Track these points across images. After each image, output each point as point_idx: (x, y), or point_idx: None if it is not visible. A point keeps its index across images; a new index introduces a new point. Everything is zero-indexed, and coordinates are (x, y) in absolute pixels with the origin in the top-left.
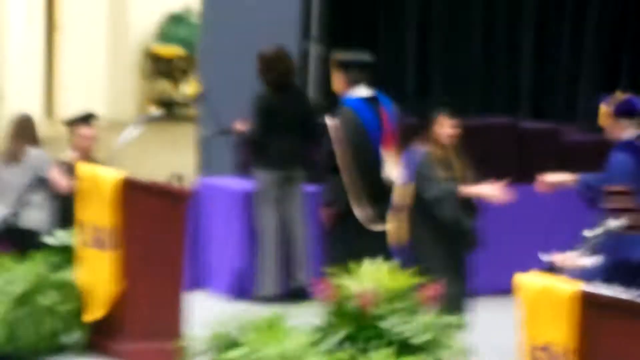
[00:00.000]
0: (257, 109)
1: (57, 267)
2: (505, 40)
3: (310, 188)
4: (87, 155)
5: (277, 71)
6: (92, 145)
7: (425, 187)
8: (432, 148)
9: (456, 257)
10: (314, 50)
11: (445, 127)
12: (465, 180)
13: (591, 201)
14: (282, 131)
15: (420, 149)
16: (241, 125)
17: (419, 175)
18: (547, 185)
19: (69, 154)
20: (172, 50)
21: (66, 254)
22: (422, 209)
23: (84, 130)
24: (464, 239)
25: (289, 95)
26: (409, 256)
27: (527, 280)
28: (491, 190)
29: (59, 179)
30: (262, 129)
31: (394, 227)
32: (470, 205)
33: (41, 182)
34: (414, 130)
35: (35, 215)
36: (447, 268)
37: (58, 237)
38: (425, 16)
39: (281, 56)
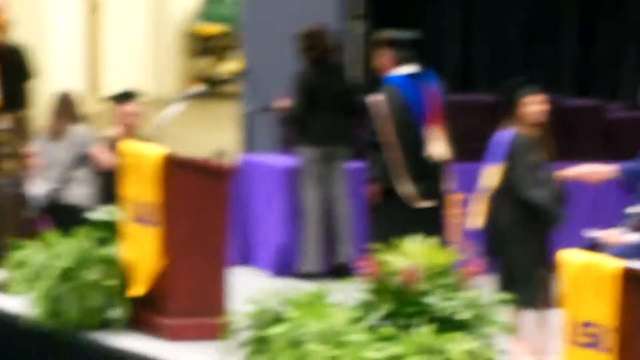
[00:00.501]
0: (298, 87)
1: (101, 243)
2: (549, 16)
3: (354, 165)
4: (130, 132)
5: (317, 49)
6: (136, 122)
7: (520, 171)
8: (527, 129)
9: (540, 241)
10: (356, 28)
11: (535, 105)
12: (552, 160)
13: (634, 188)
14: (323, 108)
15: (510, 130)
16: (283, 103)
17: (519, 159)
18: (592, 178)
19: (112, 131)
20: (214, 28)
21: (110, 230)
22: (509, 192)
23: (128, 107)
24: (550, 224)
25: (330, 73)
26: (482, 239)
27: (570, 257)
28: (590, 170)
29: (102, 156)
30: (303, 106)
31: (476, 209)
32: (560, 189)
33: (84, 159)
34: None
35: (79, 192)
36: (529, 253)
37: (102, 213)
38: None
39: (322, 33)
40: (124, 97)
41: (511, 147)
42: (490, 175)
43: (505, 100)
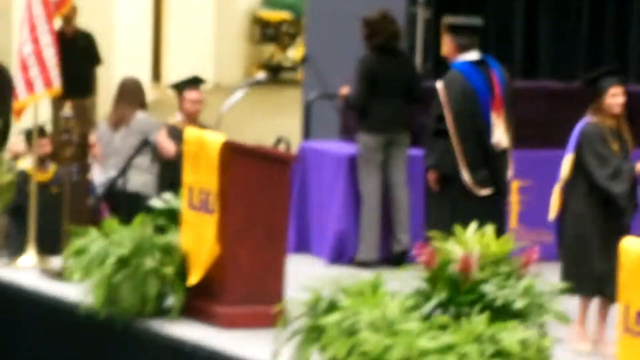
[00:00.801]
0: (360, 73)
1: (160, 231)
2: (615, 4)
3: (415, 152)
4: (194, 119)
5: (382, 35)
6: (199, 109)
7: (591, 160)
8: (601, 119)
9: (614, 232)
10: (422, 14)
11: (617, 97)
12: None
13: None
14: (385, 95)
15: (590, 119)
16: (344, 90)
17: (588, 148)
18: None
19: (176, 118)
20: (279, 14)
21: (169, 218)
22: (580, 182)
23: (191, 94)
24: (624, 215)
25: (394, 59)
26: (558, 229)
27: (629, 245)
28: None
29: (166, 143)
30: (364, 93)
31: (553, 200)
32: (634, 180)
33: (145, 146)
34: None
35: (142, 179)
36: (602, 244)
37: (164, 200)
38: None
39: (386, 20)
40: (187, 84)
41: (581, 136)
42: (565, 165)
43: (588, 88)
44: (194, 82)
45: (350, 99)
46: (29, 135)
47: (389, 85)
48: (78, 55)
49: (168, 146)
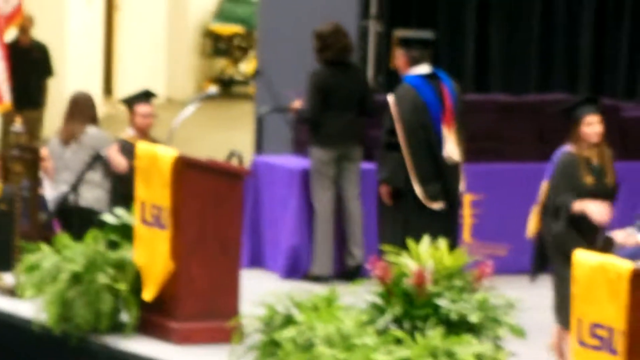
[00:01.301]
0: (312, 87)
1: (116, 246)
2: (565, 16)
3: (367, 165)
4: (145, 134)
5: (333, 48)
6: (151, 123)
7: (553, 190)
8: (578, 149)
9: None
10: (373, 27)
11: (594, 126)
12: (613, 185)
13: None
14: (338, 109)
15: (568, 148)
16: (297, 104)
17: (554, 176)
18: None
19: (128, 133)
20: (231, 28)
21: (122, 233)
22: (549, 210)
23: (142, 108)
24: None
25: (346, 73)
26: (533, 251)
27: (582, 258)
28: (596, 210)
29: (117, 158)
30: (317, 106)
31: (530, 220)
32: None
33: (96, 162)
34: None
35: (94, 194)
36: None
37: (117, 216)
38: None
39: (338, 33)
40: (138, 98)
41: (556, 165)
42: (541, 190)
43: (565, 119)
44: (145, 96)
45: (302, 113)
46: None
47: (341, 98)
48: (31, 66)
49: (119, 161)
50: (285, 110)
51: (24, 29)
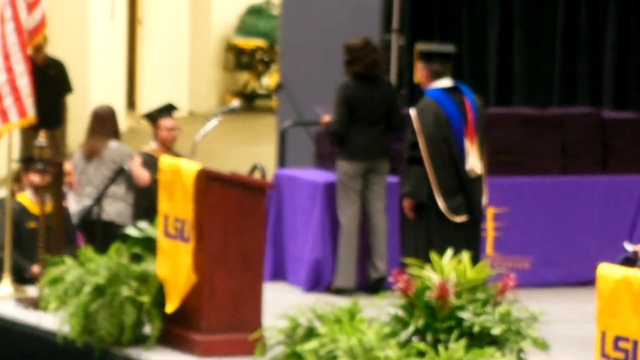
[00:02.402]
0: (340, 99)
1: (139, 259)
2: (588, 29)
3: (391, 179)
4: (169, 147)
5: (362, 62)
6: (174, 136)
7: None
8: None
9: None
10: (396, 41)
11: None
12: None
13: None
14: (365, 122)
15: None
16: (327, 118)
17: None
18: None
19: (151, 146)
20: (253, 42)
21: (145, 246)
22: None
23: (166, 122)
24: None
25: (374, 86)
26: None
27: (606, 271)
28: None
29: (140, 172)
30: (344, 119)
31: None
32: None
33: (122, 175)
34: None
35: (116, 208)
36: None
37: (140, 229)
38: (507, 6)
39: (368, 47)
40: (161, 112)
41: None
42: None
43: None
44: (168, 109)
45: (329, 125)
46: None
47: (369, 112)
48: (48, 84)
49: (142, 174)
50: (307, 123)
51: (38, 47)
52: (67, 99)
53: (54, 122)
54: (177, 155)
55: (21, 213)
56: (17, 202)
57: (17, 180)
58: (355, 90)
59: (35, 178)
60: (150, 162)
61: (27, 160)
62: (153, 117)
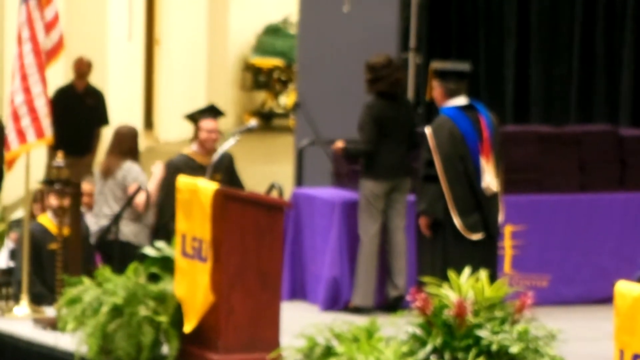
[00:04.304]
0: (369, 118)
1: (157, 278)
2: (604, 47)
3: (410, 197)
4: (208, 149)
5: (385, 81)
6: (215, 138)
7: None
8: None
9: None
10: (413, 59)
11: None
12: None
13: None
14: (392, 141)
15: None
16: (340, 143)
17: None
18: None
19: (191, 148)
20: (270, 61)
21: (165, 265)
22: None
23: (207, 124)
24: None
25: (398, 105)
26: None
27: (624, 289)
28: None
29: (138, 197)
30: (374, 138)
31: None
32: None
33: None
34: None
35: (133, 228)
36: None
37: (158, 248)
38: (524, 25)
39: (391, 66)
40: (204, 113)
41: None
42: None
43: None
44: (210, 111)
45: (358, 145)
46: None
47: (394, 131)
48: (84, 111)
49: (141, 200)
50: (325, 143)
51: (81, 74)
52: (100, 130)
53: (84, 149)
54: (217, 159)
55: (42, 234)
56: (38, 223)
57: (39, 201)
58: (381, 109)
59: (53, 200)
60: (191, 165)
61: (50, 182)
62: (194, 117)
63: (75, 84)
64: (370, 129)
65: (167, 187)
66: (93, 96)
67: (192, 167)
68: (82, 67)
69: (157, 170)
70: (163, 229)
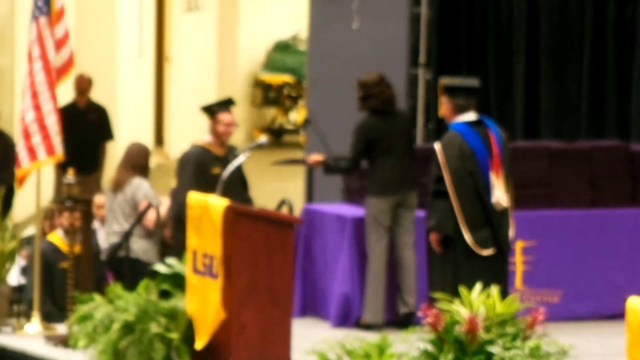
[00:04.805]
0: (359, 138)
1: (168, 295)
2: (615, 63)
3: (419, 213)
4: (223, 142)
5: (378, 98)
6: (232, 131)
7: None
8: None
9: None
10: (423, 75)
11: None
12: None
13: None
14: (391, 156)
15: None
16: (315, 157)
17: None
18: None
19: (204, 139)
20: (280, 77)
21: (176, 282)
22: None
23: (225, 117)
24: None
25: (393, 119)
26: None
27: (636, 304)
28: None
29: (149, 214)
30: (358, 158)
31: None
32: None
33: (144, 213)
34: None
35: (142, 245)
36: None
37: (169, 265)
38: (534, 41)
39: (382, 83)
40: (221, 105)
41: None
42: None
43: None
44: (227, 104)
45: (337, 163)
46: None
47: (392, 145)
48: (88, 128)
49: (151, 217)
50: (300, 162)
51: (82, 91)
52: (105, 146)
53: (91, 166)
54: (231, 149)
55: (53, 253)
56: (48, 242)
57: (49, 218)
58: (375, 127)
59: (64, 218)
60: (206, 155)
61: (62, 202)
62: (212, 110)
63: (77, 101)
64: (357, 148)
65: (184, 179)
66: (95, 112)
67: (207, 158)
68: (83, 84)
69: (165, 202)
70: (179, 218)
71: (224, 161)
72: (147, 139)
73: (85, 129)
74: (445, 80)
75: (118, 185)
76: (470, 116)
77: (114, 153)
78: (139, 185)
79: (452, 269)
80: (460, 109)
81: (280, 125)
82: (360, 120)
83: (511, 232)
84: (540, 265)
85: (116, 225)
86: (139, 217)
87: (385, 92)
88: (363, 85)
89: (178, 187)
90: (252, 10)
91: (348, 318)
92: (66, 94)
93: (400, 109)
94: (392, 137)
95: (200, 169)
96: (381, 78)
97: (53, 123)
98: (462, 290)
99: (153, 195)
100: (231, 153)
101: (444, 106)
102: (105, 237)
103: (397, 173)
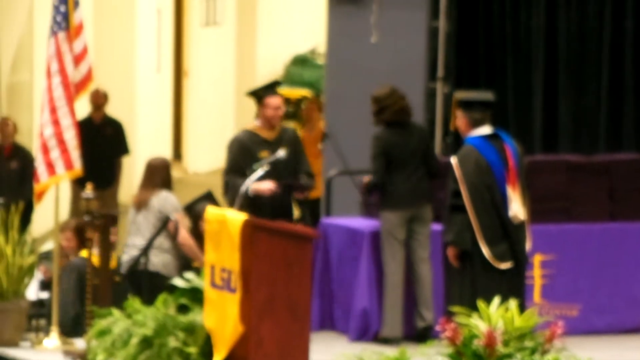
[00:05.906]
0: (376, 150)
1: (186, 309)
2: (633, 76)
3: (435, 227)
4: (273, 125)
5: (391, 110)
6: (280, 114)
7: None
8: None
9: None
10: (441, 89)
11: None
12: None
13: None
14: (405, 169)
15: None
16: (367, 179)
17: None
18: None
19: (254, 123)
20: (298, 92)
21: (195, 296)
22: None
23: (272, 100)
24: None
25: (408, 132)
26: None
27: None
28: None
29: (181, 229)
30: (382, 169)
31: None
32: None
33: (164, 227)
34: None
35: (161, 259)
36: None
37: (187, 279)
38: (552, 54)
39: (394, 95)
40: (268, 88)
41: None
42: None
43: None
44: (273, 87)
45: (370, 179)
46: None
47: (407, 158)
48: (104, 143)
49: (184, 232)
50: (353, 173)
51: (98, 106)
52: (121, 160)
53: (107, 180)
54: (280, 134)
55: (85, 269)
56: (83, 258)
57: (65, 230)
58: (390, 139)
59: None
60: (255, 139)
61: (93, 218)
62: (259, 94)
63: (93, 116)
64: (378, 161)
65: (228, 162)
66: (111, 127)
67: (256, 141)
68: (99, 99)
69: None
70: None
71: (274, 145)
72: (165, 153)
73: (101, 143)
74: (460, 95)
75: (141, 204)
76: (486, 130)
77: (131, 168)
78: (166, 198)
79: (470, 282)
80: (476, 123)
81: None
82: (375, 132)
83: (528, 245)
84: (559, 279)
85: (139, 238)
86: (159, 231)
87: (398, 103)
88: (376, 100)
89: (224, 170)
90: (270, 25)
91: (366, 332)
92: (82, 109)
93: (416, 123)
94: (407, 151)
95: (246, 152)
96: (393, 90)
97: (71, 138)
98: (480, 304)
99: (180, 207)
100: (285, 134)
101: (460, 120)
102: (125, 251)
103: (411, 187)
